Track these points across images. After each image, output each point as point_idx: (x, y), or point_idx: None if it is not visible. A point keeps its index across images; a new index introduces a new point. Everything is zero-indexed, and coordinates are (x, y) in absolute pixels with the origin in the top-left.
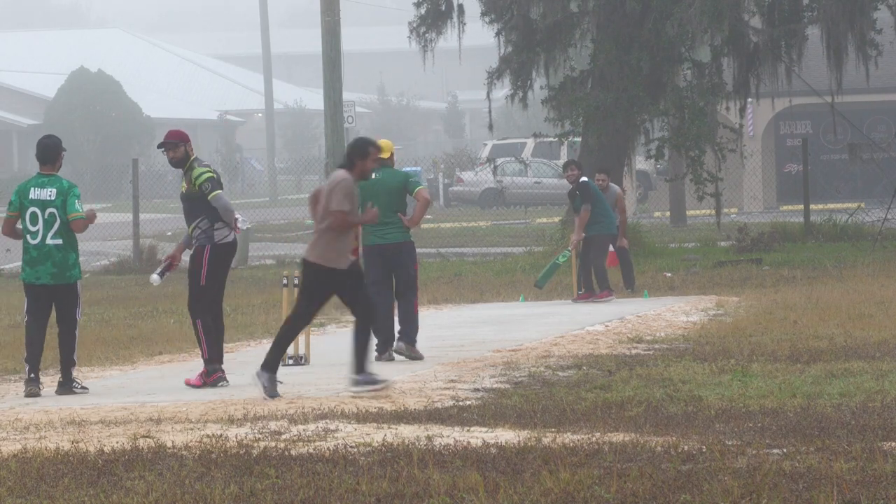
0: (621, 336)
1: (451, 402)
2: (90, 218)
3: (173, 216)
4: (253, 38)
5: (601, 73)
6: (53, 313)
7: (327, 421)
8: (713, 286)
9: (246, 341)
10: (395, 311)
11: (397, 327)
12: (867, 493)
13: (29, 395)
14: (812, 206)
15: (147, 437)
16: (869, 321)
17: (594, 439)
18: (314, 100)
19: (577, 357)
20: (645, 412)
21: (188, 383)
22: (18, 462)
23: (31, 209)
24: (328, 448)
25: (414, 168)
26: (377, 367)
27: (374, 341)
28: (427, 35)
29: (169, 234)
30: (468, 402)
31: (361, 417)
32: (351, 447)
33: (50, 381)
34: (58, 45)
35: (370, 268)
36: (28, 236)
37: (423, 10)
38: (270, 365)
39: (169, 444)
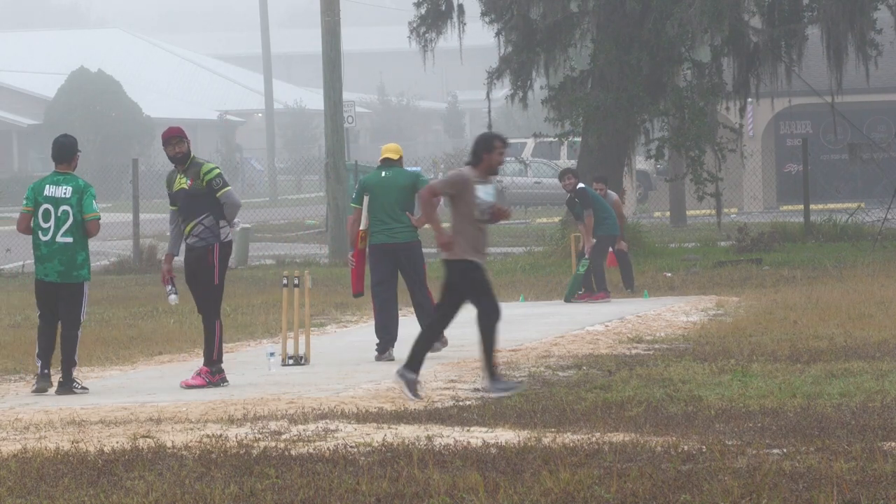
0: (621, 336)
1: (451, 402)
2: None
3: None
4: (253, 38)
5: (601, 73)
6: None
7: (327, 421)
8: (713, 286)
9: (246, 341)
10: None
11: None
12: (867, 493)
13: (38, 391)
14: (812, 206)
15: (147, 437)
16: (869, 321)
17: (594, 439)
18: (314, 100)
19: (577, 357)
20: (645, 412)
21: (187, 385)
22: (18, 462)
23: (45, 206)
24: (328, 448)
25: (414, 168)
26: (379, 367)
27: (497, 342)
28: (427, 35)
29: (168, 234)
30: (468, 402)
31: (361, 417)
32: (351, 447)
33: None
34: (58, 45)
35: (376, 266)
36: (39, 233)
37: (423, 10)
38: (413, 365)
39: (169, 444)
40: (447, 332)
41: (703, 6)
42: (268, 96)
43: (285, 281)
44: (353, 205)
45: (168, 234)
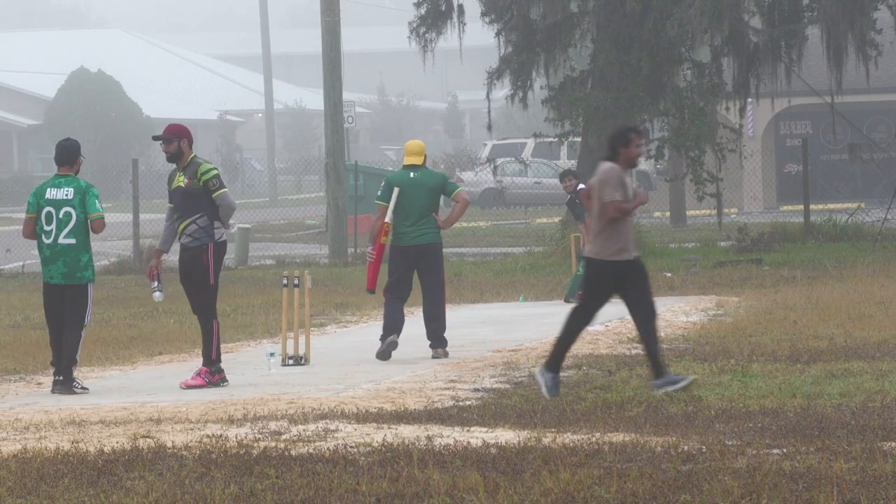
0: (621, 336)
1: (451, 402)
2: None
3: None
4: (253, 39)
5: (601, 73)
6: None
7: (327, 421)
8: (713, 286)
9: (246, 341)
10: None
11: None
12: (867, 493)
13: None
14: (812, 207)
15: (147, 437)
16: (869, 321)
17: (594, 439)
18: (314, 100)
19: (577, 357)
20: (645, 412)
21: (187, 385)
22: (18, 462)
23: (47, 209)
24: (328, 448)
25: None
26: (379, 367)
27: (660, 339)
28: (427, 35)
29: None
30: (468, 402)
31: (361, 417)
32: (351, 447)
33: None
34: (58, 45)
35: (401, 268)
36: (42, 236)
37: (423, 11)
38: (553, 365)
39: (169, 444)
40: (447, 334)
41: (703, 6)
42: (268, 96)
43: (285, 281)
44: (378, 202)
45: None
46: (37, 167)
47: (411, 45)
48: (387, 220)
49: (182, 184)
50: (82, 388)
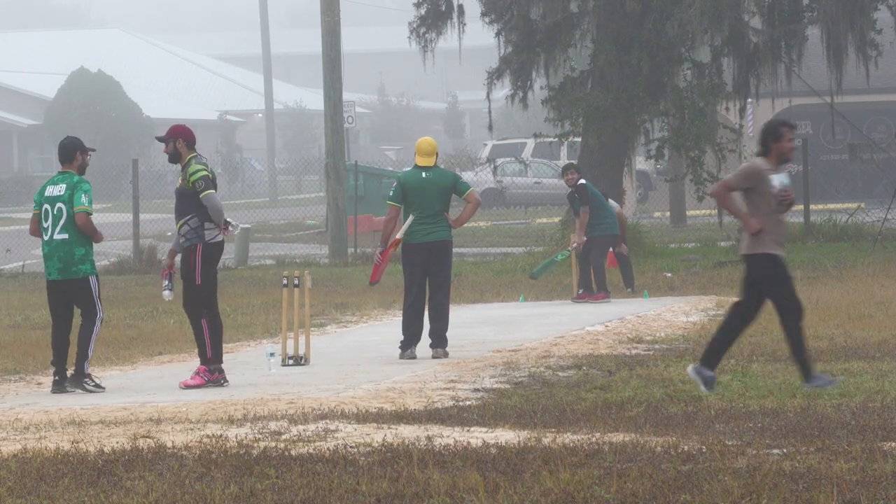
0: (621, 336)
1: (451, 402)
2: (96, 237)
3: (173, 216)
4: (253, 39)
5: (601, 73)
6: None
7: (327, 421)
8: (713, 286)
9: (246, 341)
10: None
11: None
12: (867, 493)
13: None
14: (812, 207)
15: (147, 437)
16: (869, 321)
17: (594, 439)
18: (314, 100)
19: (577, 357)
20: (645, 412)
21: (186, 385)
22: (18, 462)
23: (45, 206)
24: (328, 448)
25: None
26: (379, 367)
27: (805, 338)
28: (427, 35)
29: (169, 234)
30: (468, 402)
31: (361, 417)
32: (351, 447)
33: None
34: (58, 45)
35: (413, 266)
36: (43, 233)
37: (423, 11)
38: (711, 361)
39: (169, 444)
40: (446, 334)
41: (703, 6)
42: (268, 96)
43: (285, 281)
44: (390, 202)
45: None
46: (37, 167)
47: (411, 45)
48: (399, 236)
49: (178, 184)
50: (96, 385)
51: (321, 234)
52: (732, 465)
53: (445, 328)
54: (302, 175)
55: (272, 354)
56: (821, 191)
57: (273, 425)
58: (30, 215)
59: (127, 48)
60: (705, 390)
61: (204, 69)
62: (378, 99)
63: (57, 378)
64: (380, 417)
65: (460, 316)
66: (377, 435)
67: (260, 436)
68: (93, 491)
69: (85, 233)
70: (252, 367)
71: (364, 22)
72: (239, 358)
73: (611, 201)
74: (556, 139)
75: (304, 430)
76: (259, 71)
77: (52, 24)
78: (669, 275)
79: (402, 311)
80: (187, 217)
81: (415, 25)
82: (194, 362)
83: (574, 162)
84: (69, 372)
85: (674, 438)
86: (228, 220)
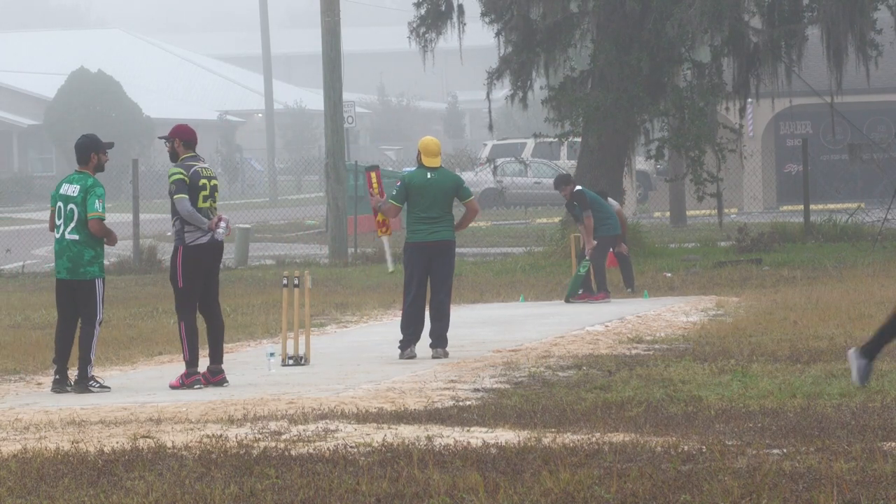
0: (621, 336)
1: (451, 402)
2: (110, 239)
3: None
4: (253, 39)
5: (601, 73)
6: None
7: (327, 421)
8: (713, 286)
9: (246, 341)
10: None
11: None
12: (867, 493)
13: (57, 392)
14: (812, 207)
15: (147, 437)
16: (869, 321)
17: (594, 439)
18: (314, 100)
19: (577, 357)
20: (645, 412)
21: (171, 386)
22: (18, 462)
23: (59, 203)
24: (328, 448)
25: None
26: (379, 367)
27: None
28: (427, 35)
29: (169, 234)
30: (468, 402)
31: (361, 417)
32: (351, 447)
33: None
34: (58, 45)
35: (415, 266)
36: (55, 230)
37: (423, 11)
38: (871, 351)
39: (169, 444)
40: (446, 335)
41: (703, 6)
42: (268, 96)
43: (285, 281)
44: (392, 201)
45: None
46: (37, 167)
47: (411, 45)
48: (392, 218)
49: None
50: (101, 386)
51: (321, 234)
52: (732, 465)
53: (446, 328)
54: (302, 175)
55: (272, 354)
56: (821, 191)
57: (273, 425)
58: (30, 215)
59: (127, 48)
60: (858, 381)
61: (204, 69)
62: (378, 99)
63: (58, 377)
64: (380, 417)
65: (460, 316)
66: (377, 435)
67: (260, 436)
68: (93, 491)
69: (99, 237)
70: (252, 367)
71: (364, 22)
72: (239, 358)
73: (610, 199)
74: (556, 139)
75: (304, 430)
76: (259, 71)
77: (52, 24)
78: (669, 275)
79: (401, 311)
80: (173, 219)
81: (415, 25)
82: None
83: (565, 173)
84: (70, 372)
85: (674, 438)
86: (221, 223)
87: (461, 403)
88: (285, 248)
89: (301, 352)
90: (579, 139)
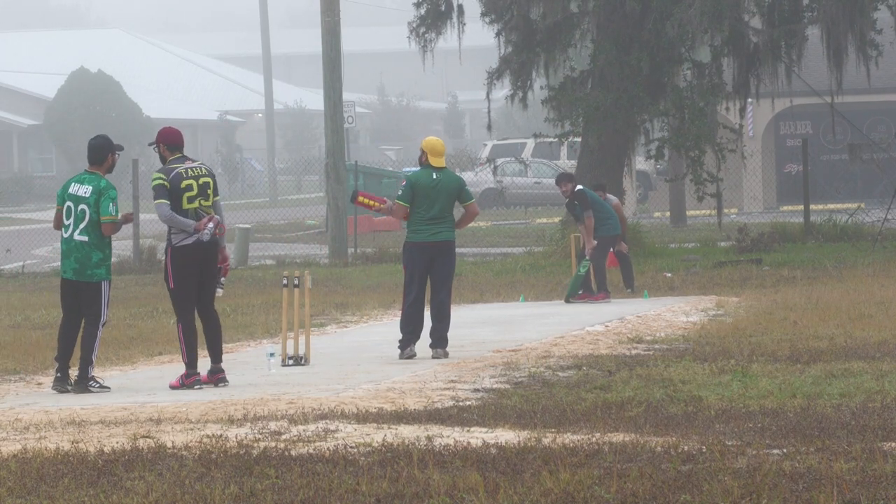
0: (621, 336)
1: (451, 402)
2: (127, 219)
3: None
4: (253, 39)
5: (601, 73)
6: None
7: (327, 421)
8: (713, 286)
9: (246, 341)
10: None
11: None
12: (867, 493)
13: (57, 392)
14: (812, 207)
15: (147, 437)
16: (869, 321)
17: (594, 439)
18: (314, 100)
19: (577, 357)
20: (645, 412)
21: (171, 386)
22: (18, 462)
23: (68, 203)
24: (328, 448)
25: (414, 169)
26: (379, 367)
27: None
28: (427, 35)
29: None
30: (468, 403)
31: (361, 417)
32: (351, 447)
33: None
34: (58, 45)
35: (415, 265)
36: (63, 230)
37: (422, 11)
38: None
39: (169, 445)
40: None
41: (703, 6)
42: (268, 96)
43: (285, 281)
44: (400, 202)
45: None
46: (37, 167)
47: (411, 45)
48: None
49: None
50: (101, 386)
51: (321, 234)
52: (732, 465)
53: (447, 328)
54: (302, 175)
55: (272, 354)
56: (821, 191)
57: (273, 425)
58: (30, 215)
59: (127, 48)
60: None
61: (204, 69)
62: (378, 99)
63: (59, 375)
64: (380, 417)
65: (460, 316)
66: (377, 435)
67: (260, 436)
68: (93, 491)
69: (109, 235)
70: (252, 367)
71: (364, 22)
72: (239, 358)
73: (609, 196)
74: (556, 139)
75: (304, 430)
76: (259, 71)
77: (52, 24)
78: (669, 275)
79: (401, 311)
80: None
81: (415, 25)
82: None
83: (567, 171)
84: (71, 371)
85: (674, 438)
86: (209, 223)
87: (461, 403)
88: (285, 248)
89: (301, 352)
90: (579, 139)
